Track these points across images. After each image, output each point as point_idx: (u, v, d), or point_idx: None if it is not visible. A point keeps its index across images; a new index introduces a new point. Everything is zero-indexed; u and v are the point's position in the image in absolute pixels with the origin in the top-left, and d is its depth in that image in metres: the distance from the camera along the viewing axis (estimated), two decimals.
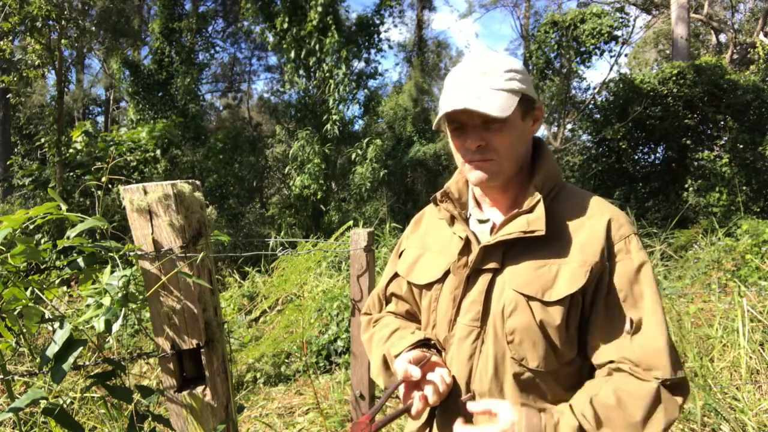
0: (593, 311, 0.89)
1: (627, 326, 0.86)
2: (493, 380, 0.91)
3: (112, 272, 1.00)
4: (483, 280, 0.93)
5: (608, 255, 0.88)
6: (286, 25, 8.86)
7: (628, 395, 0.82)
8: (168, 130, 8.09)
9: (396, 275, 1.13)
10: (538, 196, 0.90)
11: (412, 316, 1.12)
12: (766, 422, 2.48)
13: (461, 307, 0.95)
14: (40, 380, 2.13)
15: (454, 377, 0.95)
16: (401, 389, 0.93)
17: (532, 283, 0.88)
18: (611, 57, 9.95)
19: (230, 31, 20.78)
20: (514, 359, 0.90)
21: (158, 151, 7.99)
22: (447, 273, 0.99)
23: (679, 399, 0.84)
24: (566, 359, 0.90)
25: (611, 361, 0.87)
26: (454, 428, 0.86)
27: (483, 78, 0.88)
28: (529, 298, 0.88)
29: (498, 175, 0.92)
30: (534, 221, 0.88)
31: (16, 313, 0.98)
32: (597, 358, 0.89)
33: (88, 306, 0.97)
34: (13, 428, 2.35)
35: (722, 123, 9.23)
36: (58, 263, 1.08)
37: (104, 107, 20.76)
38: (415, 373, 0.90)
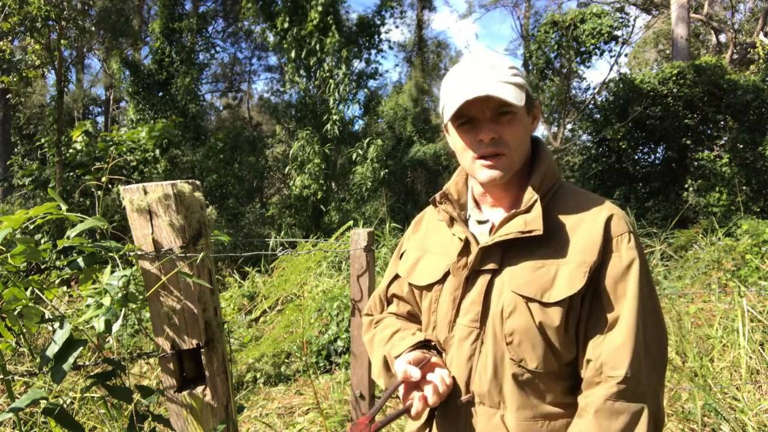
0: (583, 309, 0.89)
1: (609, 320, 0.87)
2: (493, 381, 0.91)
3: (112, 272, 1.00)
4: (482, 281, 0.93)
5: (604, 251, 0.88)
6: (286, 25, 8.86)
7: None
8: (167, 130, 8.08)
9: (397, 276, 1.13)
10: (535, 195, 0.90)
11: (413, 317, 1.12)
12: (766, 422, 2.48)
13: (461, 308, 0.95)
14: (40, 380, 2.13)
15: (454, 378, 0.95)
16: (401, 390, 0.93)
17: (531, 285, 0.88)
18: (611, 57, 9.95)
19: (230, 31, 20.77)
20: (513, 360, 0.89)
21: (157, 151, 7.99)
22: (447, 274, 0.99)
23: (635, 406, 0.82)
24: (566, 360, 0.90)
25: (588, 360, 0.87)
26: None
27: (492, 71, 0.89)
28: (528, 299, 0.88)
29: (509, 170, 0.92)
30: (531, 221, 0.88)
31: (16, 313, 0.98)
32: (583, 354, 0.89)
33: (88, 306, 0.97)
34: (13, 428, 2.35)
35: (722, 123, 9.23)
36: (58, 263, 1.08)
37: (104, 107, 20.76)
38: (415, 373, 0.90)
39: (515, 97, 0.86)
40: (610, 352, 0.84)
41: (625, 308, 0.85)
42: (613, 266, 0.87)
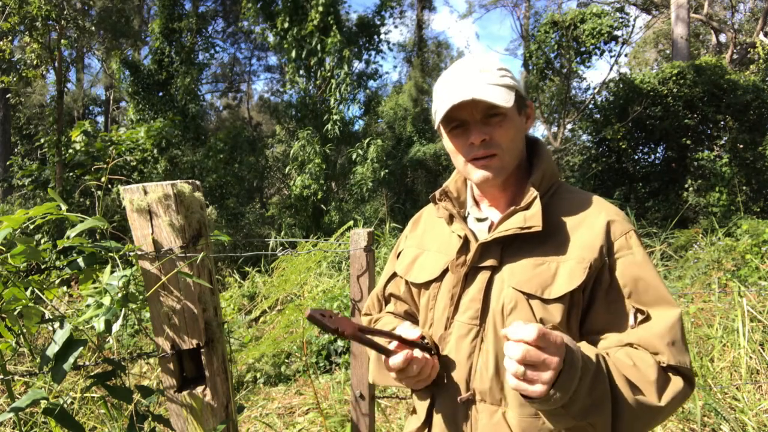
0: (593, 307, 0.89)
1: (631, 321, 0.87)
2: (494, 378, 0.91)
3: (112, 272, 1.00)
4: (481, 277, 0.93)
5: (608, 252, 0.89)
6: (286, 25, 8.86)
7: (640, 360, 0.83)
8: (165, 129, 8.08)
9: (394, 276, 1.13)
10: (534, 192, 0.91)
11: (410, 317, 1.12)
12: (766, 422, 2.48)
13: (459, 305, 0.95)
14: (40, 380, 2.13)
15: (451, 376, 0.95)
16: (393, 345, 0.92)
17: (532, 281, 0.88)
18: (611, 57, 9.96)
19: (230, 31, 20.76)
20: None
21: (155, 150, 7.98)
22: (445, 272, 0.99)
23: (683, 383, 0.83)
24: None
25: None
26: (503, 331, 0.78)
27: (481, 74, 0.90)
28: (528, 296, 0.88)
29: (501, 171, 0.93)
30: (531, 217, 0.88)
31: (16, 313, 0.98)
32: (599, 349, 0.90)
33: (88, 306, 0.97)
34: (13, 428, 2.35)
35: (722, 123, 9.24)
36: (58, 263, 1.08)
37: (104, 107, 20.75)
38: (412, 334, 0.91)
39: (503, 99, 0.86)
40: (651, 339, 0.84)
41: (655, 302, 0.87)
42: (631, 263, 0.88)
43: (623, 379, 0.80)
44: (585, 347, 0.81)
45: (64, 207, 1.01)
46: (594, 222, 0.91)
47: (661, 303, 0.87)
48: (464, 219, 1.02)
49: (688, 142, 9.27)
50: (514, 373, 0.73)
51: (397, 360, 0.88)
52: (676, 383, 0.83)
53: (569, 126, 11.08)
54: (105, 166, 1.28)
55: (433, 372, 0.93)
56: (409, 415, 1.09)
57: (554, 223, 0.92)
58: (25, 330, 1.01)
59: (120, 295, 0.98)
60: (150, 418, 1.11)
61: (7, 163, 10.51)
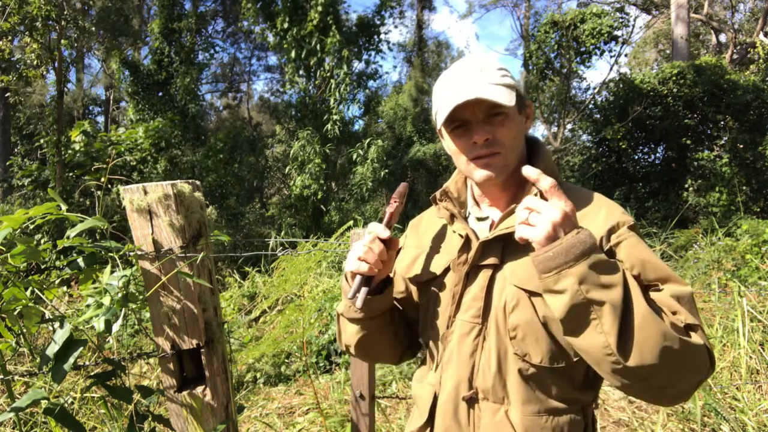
0: None
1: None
2: (497, 376, 0.91)
3: (112, 272, 1.00)
4: (483, 276, 0.93)
5: (608, 240, 0.88)
6: (286, 25, 8.86)
7: (659, 309, 0.81)
8: (163, 129, 8.07)
9: None
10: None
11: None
12: (766, 422, 2.48)
13: (461, 303, 0.95)
14: (40, 380, 2.13)
15: (453, 375, 0.95)
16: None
17: (534, 279, 0.88)
18: (611, 57, 9.96)
19: (230, 31, 20.76)
20: (518, 355, 0.90)
21: (153, 150, 7.98)
22: (446, 271, 0.99)
23: (702, 342, 0.81)
24: (570, 354, 0.90)
25: None
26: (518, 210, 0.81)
27: (481, 74, 0.90)
28: (530, 293, 0.88)
29: (504, 169, 0.93)
30: None
31: (16, 313, 0.98)
32: None
33: (88, 306, 0.97)
34: (13, 428, 2.35)
35: (722, 123, 9.24)
36: (58, 263, 1.08)
37: (104, 107, 20.74)
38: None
39: (505, 98, 0.86)
40: (667, 300, 0.83)
41: (664, 277, 0.86)
42: (635, 245, 0.88)
43: (640, 297, 0.77)
44: None
45: (64, 207, 1.01)
46: (594, 217, 0.91)
47: (672, 280, 0.86)
48: (465, 219, 1.02)
49: (688, 142, 9.27)
50: (519, 221, 0.79)
51: (385, 229, 0.93)
52: (697, 339, 0.80)
53: (569, 126, 11.08)
54: (105, 166, 1.28)
55: (379, 274, 0.95)
56: (410, 415, 1.09)
57: None
58: (25, 330, 1.01)
59: (120, 295, 0.98)
60: (150, 418, 1.11)
61: (7, 163, 10.51)
